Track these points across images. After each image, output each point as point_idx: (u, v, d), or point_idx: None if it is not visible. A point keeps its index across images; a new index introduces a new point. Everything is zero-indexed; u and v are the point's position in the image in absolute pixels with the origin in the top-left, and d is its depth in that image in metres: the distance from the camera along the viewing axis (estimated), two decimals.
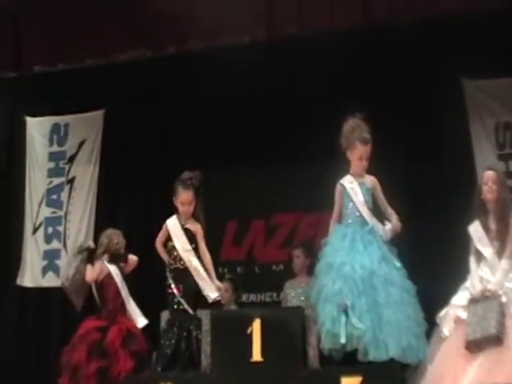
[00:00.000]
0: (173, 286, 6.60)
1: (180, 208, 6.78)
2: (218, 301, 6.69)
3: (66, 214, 9.64)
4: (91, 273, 7.24)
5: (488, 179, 6.14)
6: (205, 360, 6.28)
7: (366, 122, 6.36)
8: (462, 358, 5.65)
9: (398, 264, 6.12)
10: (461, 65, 8.36)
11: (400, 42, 8.46)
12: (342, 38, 8.35)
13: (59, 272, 9.29)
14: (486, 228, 6.08)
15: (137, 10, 8.33)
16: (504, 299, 5.74)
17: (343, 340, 5.81)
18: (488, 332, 5.60)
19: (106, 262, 7.33)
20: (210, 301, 6.58)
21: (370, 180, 6.39)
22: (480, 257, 6.04)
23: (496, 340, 5.57)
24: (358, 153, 6.32)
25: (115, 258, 7.35)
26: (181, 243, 6.69)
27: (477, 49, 8.25)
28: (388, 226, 6.27)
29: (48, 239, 9.63)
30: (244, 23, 8.22)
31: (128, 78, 9.35)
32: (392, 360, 5.78)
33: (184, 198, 6.75)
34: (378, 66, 8.63)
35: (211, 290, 6.59)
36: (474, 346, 5.63)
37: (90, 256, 7.36)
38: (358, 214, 6.27)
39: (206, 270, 6.64)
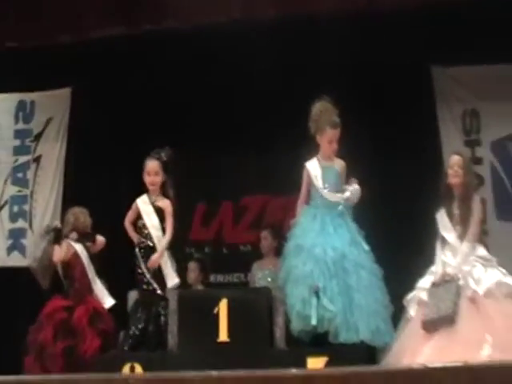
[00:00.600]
0: (142, 265, 6.57)
1: (147, 180, 6.73)
2: None
3: (32, 192, 9.57)
4: (59, 253, 7.20)
5: (454, 164, 6.22)
6: (171, 339, 6.27)
7: (334, 105, 6.36)
8: (421, 338, 5.76)
9: (366, 247, 6.15)
10: (430, 52, 8.44)
11: (370, 28, 8.50)
12: (317, 23, 8.37)
13: (25, 251, 9.26)
14: (450, 214, 6.17)
15: None
16: (462, 282, 5.84)
17: (314, 322, 5.83)
18: (443, 312, 5.72)
19: (72, 242, 7.30)
20: (168, 287, 6.57)
21: (339, 164, 6.40)
22: (445, 242, 6.13)
23: (450, 320, 5.68)
24: (328, 137, 6.31)
25: (82, 237, 7.32)
26: (151, 220, 6.67)
27: (446, 36, 8.33)
28: (347, 193, 6.29)
29: (13, 218, 9.56)
30: (220, 3, 8.19)
31: (96, 56, 9.27)
32: (362, 343, 5.82)
33: (149, 167, 6.72)
34: (348, 52, 8.65)
35: (171, 278, 6.59)
36: (431, 326, 5.75)
37: (57, 236, 7.32)
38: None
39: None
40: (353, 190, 6.25)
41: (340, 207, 6.21)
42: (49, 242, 7.34)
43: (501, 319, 5.64)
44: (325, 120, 6.28)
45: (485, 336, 5.54)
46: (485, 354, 5.44)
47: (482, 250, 6.07)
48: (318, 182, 6.27)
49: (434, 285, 5.95)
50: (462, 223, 6.10)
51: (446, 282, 5.88)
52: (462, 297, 5.78)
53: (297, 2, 8.02)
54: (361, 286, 5.95)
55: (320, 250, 5.98)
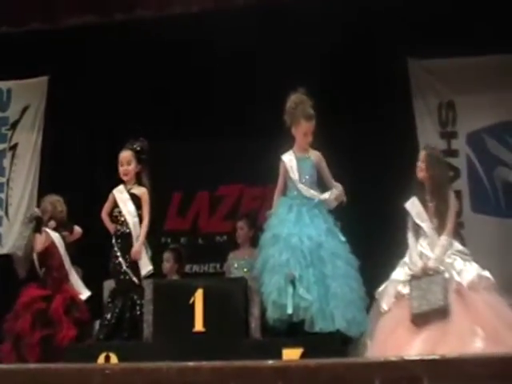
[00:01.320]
0: (119, 255, 6.58)
1: (120, 170, 6.76)
2: None
3: (8, 180, 9.52)
4: (40, 242, 7.19)
5: (420, 158, 6.26)
6: (147, 329, 6.26)
7: (309, 97, 6.36)
8: (406, 332, 5.71)
9: (343, 238, 6.18)
10: (406, 44, 8.47)
11: (346, 19, 8.52)
12: (291, 12, 8.38)
13: (1, 240, 9.23)
14: (424, 205, 6.15)
15: None
16: (447, 275, 5.84)
17: (290, 310, 5.85)
18: (435, 305, 5.68)
19: (49, 230, 7.28)
20: (142, 275, 6.58)
21: (315, 155, 6.42)
22: (419, 232, 6.12)
23: (443, 312, 5.65)
24: (303, 129, 6.34)
25: (60, 226, 7.30)
26: (126, 207, 6.67)
27: (422, 28, 8.36)
28: (331, 194, 6.30)
29: None
30: None
31: (74, 45, 9.24)
32: (337, 332, 5.83)
33: (122, 157, 6.76)
34: (324, 43, 8.66)
35: (144, 266, 6.59)
36: (420, 319, 5.70)
37: (38, 224, 7.29)
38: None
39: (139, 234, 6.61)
40: (334, 197, 6.26)
41: (316, 199, 6.24)
42: (32, 230, 7.31)
43: (487, 310, 5.65)
44: (299, 112, 6.30)
45: (476, 327, 5.54)
46: (478, 345, 5.44)
47: (458, 245, 6.08)
48: (295, 174, 6.30)
49: (415, 277, 5.91)
50: (438, 216, 6.08)
51: (429, 274, 5.87)
52: (449, 289, 5.78)
53: None
54: (336, 275, 5.97)
55: (296, 240, 5.99)
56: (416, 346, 5.57)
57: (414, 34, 8.38)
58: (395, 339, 5.71)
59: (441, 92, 8.69)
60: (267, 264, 6.08)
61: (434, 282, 5.79)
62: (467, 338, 5.52)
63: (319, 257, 5.98)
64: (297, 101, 6.32)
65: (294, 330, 5.98)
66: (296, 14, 8.42)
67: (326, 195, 6.28)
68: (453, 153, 8.51)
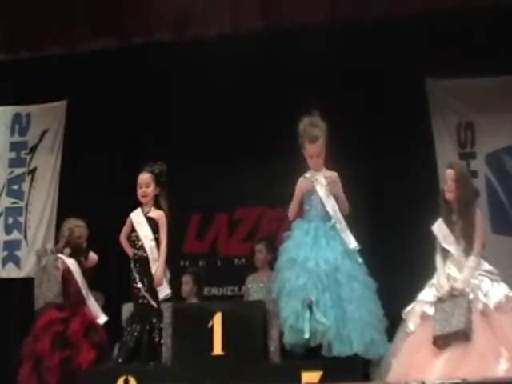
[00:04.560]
0: (138, 280, 6.57)
1: (139, 192, 6.77)
2: None
3: (27, 204, 9.57)
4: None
5: (448, 178, 6.15)
6: (166, 352, 6.24)
7: (325, 118, 6.35)
8: (429, 353, 5.68)
9: (360, 260, 6.14)
10: (425, 64, 8.46)
11: (366, 39, 8.53)
12: (308, 35, 8.39)
13: (19, 263, 9.26)
14: (450, 226, 6.08)
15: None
16: (471, 296, 5.79)
17: (307, 335, 5.81)
18: (456, 328, 5.64)
19: (64, 257, 7.27)
20: (160, 298, 6.58)
21: (331, 174, 6.39)
22: (446, 255, 6.06)
23: (464, 335, 5.61)
24: (307, 152, 6.35)
25: (76, 252, 7.30)
26: (144, 231, 6.67)
27: (441, 48, 8.35)
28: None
29: (8, 230, 9.54)
30: (210, 16, 8.22)
31: (92, 69, 9.30)
32: (355, 355, 5.79)
33: (141, 179, 6.77)
34: (342, 64, 8.68)
35: (163, 289, 6.58)
36: (442, 342, 5.67)
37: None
38: (319, 208, 6.27)
39: (158, 257, 6.60)
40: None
41: (333, 220, 6.21)
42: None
43: None
44: (305, 135, 6.32)
45: (500, 349, 5.48)
46: (503, 367, 5.39)
47: (486, 265, 6.00)
48: (323, 189, 6.26)
49: (441, 300, 5.88)
50: (465, 237, 6.02)
51: (454, 296, 5.82)
52: (472, 311, 5.72)
53: (287, 14, 8.01)
54: (353, 298, 5.93)
55: (313, 263, 5.96)
56: (437, 368, 5.53)
57: (433, 54, 8.37)
58: (418, 360, 5.67)
59: (459, 112, 8.65)
60: (284, 288, 6.05)
61: (458, 305, 5.74)
62: (489, 359, 5.45)
63: (336, 280, 5.94)
64: (306, 123, 6.35)
65: (311, 355, 5.94)
66: (313, 35, 8.43)
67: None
68: (472, 174, 8.38)
